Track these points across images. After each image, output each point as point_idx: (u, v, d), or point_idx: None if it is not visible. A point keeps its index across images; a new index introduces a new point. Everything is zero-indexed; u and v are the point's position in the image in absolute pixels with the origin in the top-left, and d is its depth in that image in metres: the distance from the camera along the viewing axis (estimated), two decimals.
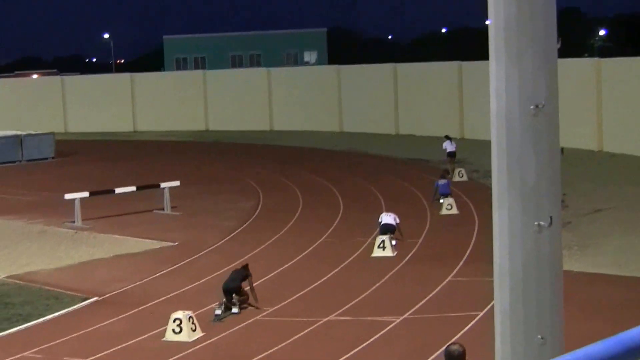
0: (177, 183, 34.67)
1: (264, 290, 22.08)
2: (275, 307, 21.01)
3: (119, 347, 18.60)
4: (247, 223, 31.50)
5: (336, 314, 20.29)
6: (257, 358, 17.64)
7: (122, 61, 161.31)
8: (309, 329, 19.28)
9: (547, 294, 6.64)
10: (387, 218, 27.60)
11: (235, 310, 20.52)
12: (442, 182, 33.76)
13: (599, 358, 3.91)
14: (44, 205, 36.30)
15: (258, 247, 27.41)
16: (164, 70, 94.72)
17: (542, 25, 6.29)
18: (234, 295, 20.67)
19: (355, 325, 19.45)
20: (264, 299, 21.25)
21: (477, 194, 34.66)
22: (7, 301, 22.28)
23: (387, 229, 27.09)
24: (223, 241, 28.71)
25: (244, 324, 19.92)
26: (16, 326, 20.29)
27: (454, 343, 10.82)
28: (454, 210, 31.54)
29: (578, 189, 34.65)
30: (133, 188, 34.63)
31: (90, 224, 31.65)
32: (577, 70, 46.39)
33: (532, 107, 6.33)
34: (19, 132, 54.38)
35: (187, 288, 23.10)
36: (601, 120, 45.93)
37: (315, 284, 22.96)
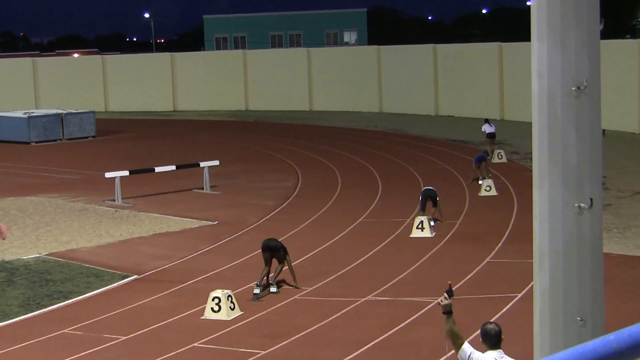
0: (216, 162, 34.82)
1: (303, 269, 22.14)
2: (314, 287, 21.05)
3: (158, 324, 18.73)
4: (286, 202, 31.57)
5: (374, 293, 20.31)
6: (295, 337, 17.70)
7: (163, 40, 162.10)
8: (347, 309, 19.30)
9: (587, 276, 6.62)
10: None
11: (273, 289, 20.59)
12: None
13: None
14: (85, 183, 36.59)
15: (297, 227, 27.47)
16: (204, 50, 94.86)
17: (585, 5, 6.25)
18: (270, 279, 20.72)
19: (394, 305, 19.45)
20: (302, 278, 21.29)
21: (517, 176, 34.56)
22: (48, 278, 22.50)
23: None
24: (262, 220, 28.79)
25: (283, 303, 19.98)
26: (57, 303, 20.48)
27: (489, 322, 10.82)
28: (493, 192, 31.41)
29: (619, 171, 34.46)
30: (173, 167, 34.84)
31: (131, 203, 31.87)
32: (619, 52, 45.99)
33: (574, 88, 6.30)
34: (60, 111, 54.72)
35: (226, 266, 23.20)
36: None
37: (354, 264, 22.97)
